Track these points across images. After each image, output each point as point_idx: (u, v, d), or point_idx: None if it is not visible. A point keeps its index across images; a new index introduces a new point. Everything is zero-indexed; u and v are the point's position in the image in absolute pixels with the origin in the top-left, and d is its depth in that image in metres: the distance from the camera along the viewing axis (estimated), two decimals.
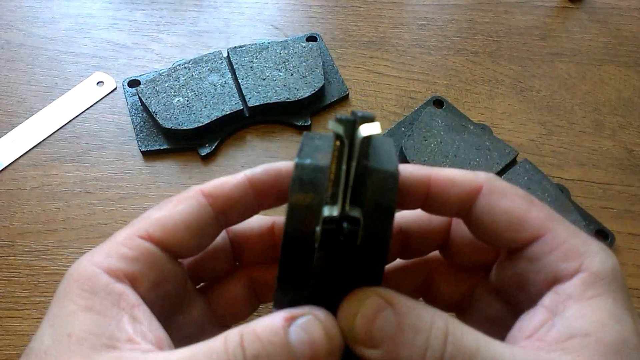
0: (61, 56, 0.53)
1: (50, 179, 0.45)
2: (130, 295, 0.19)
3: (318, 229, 0.18)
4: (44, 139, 0.48)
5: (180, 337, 0.22)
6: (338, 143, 0.18)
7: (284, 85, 0.48)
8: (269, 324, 0.18)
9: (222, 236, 0.25)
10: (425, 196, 0.22)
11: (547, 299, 0.19)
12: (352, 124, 0.17)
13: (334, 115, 0.50)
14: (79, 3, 0.58)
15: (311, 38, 0.55)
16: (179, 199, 0.22)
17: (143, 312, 0.19)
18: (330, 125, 0.18)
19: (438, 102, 0.51)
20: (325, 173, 0.19)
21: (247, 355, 0.17)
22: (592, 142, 0.50)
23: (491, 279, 0.24)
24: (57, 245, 0.42)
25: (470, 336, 0.18)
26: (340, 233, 0.18)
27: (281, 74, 0.49)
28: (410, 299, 0.19)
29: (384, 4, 0.59)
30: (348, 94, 0.51)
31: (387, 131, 0.49)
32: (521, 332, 0.19)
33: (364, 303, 0.18)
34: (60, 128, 0.48)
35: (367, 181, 0.19)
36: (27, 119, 0.49)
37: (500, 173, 0.44)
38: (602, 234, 0.43)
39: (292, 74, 0.49)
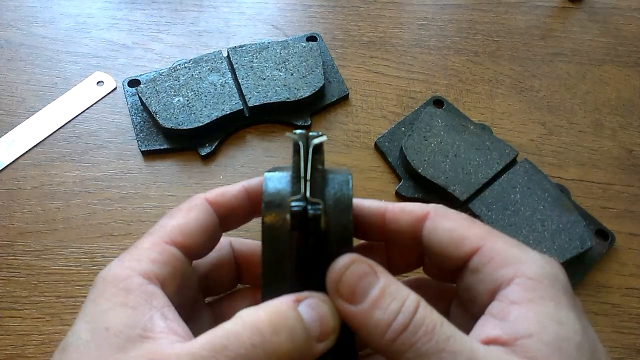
0: (61, 56, 0.53)
1: (50, 179, 0.45)
2: (161, 296, 0.21)
3: (288, 215, 0.20)
4: (44, 139, 0.48)
5: None
6: (295, 150, 0.22)
7: (284, 85, 0.48)
8: (280, 303, 0.20)
9: (228, 253, 0.27)
10: (382, 224, 0.24)
11: (493, 307, 0.21)
12: (304, 136, 0.22)
13: (334, 115, 0.51)
14: (79, 3, 0.58)
15: (311, 38, 0.55)
16: (188, 207, 0.24)
17: (172, 312, 0.21)
18: (287, 135, 0.22)
19: (438, 102, 0.51)
20: (289, 178, 0.22)
21: (266, 332, 0.19)
22: (592, 142, 0.50)
23: (457, 294, 0.26)
24: (56, 245, 0.42)
25: (436, 315, 0.20)
26: (307, 218, 0.20)
27: (281, 73, 0.49)
28: (393, 276, 0.21)
29: (384, 4, 0.59)
30: (348, 93, 0.51)
31: (387, 131, 0.49)
32: (474, 338, 0.21)
33: (355, 264, 0.21)
34: (60, 128, 0.48)
35: (326, 184, 0.22)
36: (27, 118, 0.49)
37: (500, 173, 0.44)
38: (602, 234, 0.43)
39: (292, 74, 0.49)
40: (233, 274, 0.28)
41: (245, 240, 0.28)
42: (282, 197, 0.22)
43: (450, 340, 0.19)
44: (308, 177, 0.21)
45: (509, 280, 0.21)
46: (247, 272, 0.28)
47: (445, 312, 0.26)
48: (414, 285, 0.28)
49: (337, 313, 0.21)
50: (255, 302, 0.28)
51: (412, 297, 0.20)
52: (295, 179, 0.22)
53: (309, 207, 0.20)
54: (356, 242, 0.24)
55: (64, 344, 0.20)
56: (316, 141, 0.22)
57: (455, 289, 0.25)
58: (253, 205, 0.25)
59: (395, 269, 0.28)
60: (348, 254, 0.21)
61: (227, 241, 0.28)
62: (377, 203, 0.25)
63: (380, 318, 0.20)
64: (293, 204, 0.20)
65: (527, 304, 0.20)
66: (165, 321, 0.20)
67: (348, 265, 0.21)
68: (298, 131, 0.22)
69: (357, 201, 0.24)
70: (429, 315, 0.20)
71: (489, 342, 0.20)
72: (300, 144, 0.22)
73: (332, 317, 0.21)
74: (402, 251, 0.27)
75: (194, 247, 0.23)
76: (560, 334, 0.19)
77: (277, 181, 0.22)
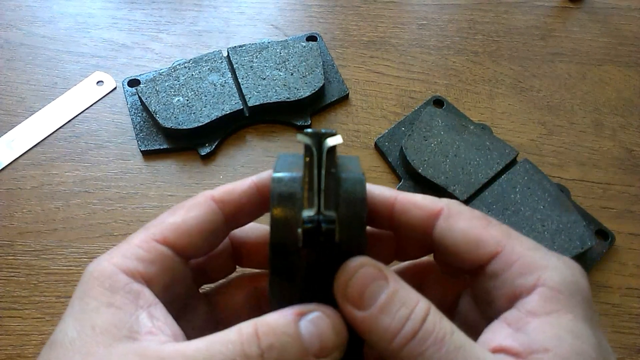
0: (61, 55, 0.53)
1: (50, 179, 0.45)
2: (148, 294, 0.20)
3: (299, 230, 0.19)
4: (44, 139, 0.48)
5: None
6: (308, 154, 0.20)
7: (284, 85, 0.48)
8: (281, 317, 0.19)
9: (224, 242, 0.26)
10: (390, 214, 0.23)
11: (511, 314, 0.20)
12: (318, 136, 0.20)
13: (334, 115, 0.51)
14: (79, 2, 0.58)
15: (311, 38, 0.55)
16: (191, 205, 0.23)
17: (160, 310, 0.20)
18: (299, 138, 0.20)
19: (438, 102, 0.51)
20: (300, 182, 0.21)
21: (262, 345, 0.18)
22: (592, 142, 0.50)
23: (470, 291, 0.25)
24: (56, 244, 0.42)
25: (447, 323, 0.19)
26: (320, 232, 0.19)
27: (281, 73, 0.49)
28: (403, 280, 0.21)
29: (384, 4, 0.59)
30: (348, 93, 0.51)
31: (387, 131, 0.49)
32: (486, 345, 0.20)
33: (364, 268, 0.20)
34: (60, 127, 0.48)
35: (339, 187, 0.21)
36: (26, 118, 0.49)
37: (500, 173, 0.44)
38: (602, 234, 0.43)
39: (292, 74, 0.49)
40: (229, 260, 0.27)
41: None
42: (292, 203, 0.21)
43: (460, 351, 0.18)
44: (322, 187, 0.20)
45: (529, 290, 0.20)
46: (246, 257, 0.27)
47: (455, 301, 0.26)
48: (424, 268, 0.27)
49: (343, 329, 0.20)
50: (254, 292, 0.27)
51: (421, 304, 0.20)
52: (307, 184, 0.20)
53: (322, 220, 0.19)
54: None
55: (52, 340, 0.20)
56: (330, 144, 0.20)
57: (470, 287, 0.24)
58: (264, 200, 0.24)
59: (403, 257, 0.27)
60: (357, 257, 0.20)
61: None
62: (386, 192, 0.24)
63: (388, 324, 0.19)
64: (305, 217, 0.19)
65: (546, 316, 0.19)
66: (152, 321, 0.20)
67: (356, 269, 0.20)
68: (309, 130, 0.21)
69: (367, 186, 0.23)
70: (439, 323, 0.19)
71: (500, 351, 0.19)
72: (314, 150, 0.20)
73: (335, 334, 0.20)
74: (412, 241, 0.26)
75: (189, 247, 0.23)
76: (576, 348, 0.19)
77: (287, 185, 0.21)
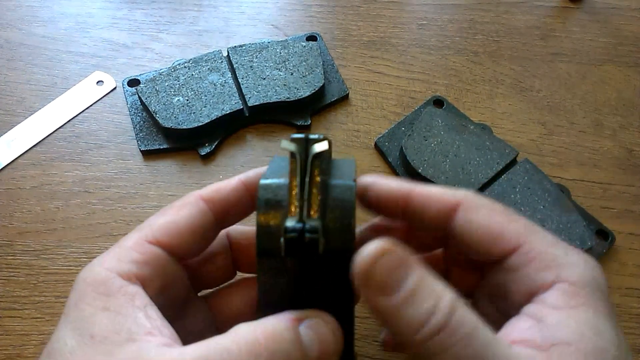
0: (61, 55, 0.53)
1: (50, 179, 0.45)
2: (143, 295, 0.20)
3: (282, 239, 0.19)
4: (44, 139, 0.48)
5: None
6: (293, 161, 0.20)
7: (284, 85, 0.48)
8: (280, 323, 0.19)
9: (222, 244, 0.26)
10: (404, 207, 0.23)
11: (531, 308, 0.20)
12: (304, 142, 0.19)
13: (334, 115, 0.50)
14: (79, 2, 0.58)
15: (311, 37, 0.55)
16: (180, 205, 0.23)
17: (155, 311, 0.20)
18: (283, 144, 0.20)
19: (438, 102, 0.51)
20: (287, 189, 0.20)
21: (264, 352, 0.18)
22: (592, 142, 0.50)
23: (485, 284, 0.25)
24: (56, 244, 0.42)
25: (473, 317, 0.19)
26: (302, 242, 0.19)
27: (281, 73, 0.49)
28: (428, 268, 0.20)
29: (384, 4, 0.59)
30: (348, 93, 0.51)
31: (387, 131, 0.49)
32: (507, 337, 0.20)
33: (389, 253, 0.19)
34: (60, 127, 0.48)
35: (327, 195, 0.20)
36: (26, 118, 0.49)
37: (500, 173, 0.44)
38: (602, 234, 0.43)
39: (292, 74, 0.49)
40: (228, 265, 0.27)
41: (240, 227, 0.27)
42: (277, 211, 0.20)
43: (489, 347, 0.18)
44: (306, 196, 0.19)
45: (549, 285, 0.20)
46: (246, 261, 0.27)
47: (469, 294, 0.26)
48: (438, 262, 0.26)
49: (340, 335, 0.20)
50: (253, 295, 0.27)
51: (449, 295, 0.19)
52: (292, 192, 0.20)
53: (306, 230, 0.19)
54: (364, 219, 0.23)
55: (49, 349, 0.19)
56: (317, 150, 0.20)
57: (484, 279, 0.24)
58: (253, 198, 0.24)
59: (417, 249, 0.26)
60: (379, 240, 0.19)
61: (224, 231, 0.27)
62: (402, 185, 0.23)
63: (412, 315, 0.18)
64: (288, 226, 0.19)
65: (569, 310, 0.19)
66: (149, 321, 0.19)
67: (380, 254, 0.19)
68: (296, 135, 0.20)
69: (380, 180, 0.23)
70: (468, 317, 0.18)
71: (521, 342, 0.19)
72: (298, 157, 0.19)
73: (334, 340, 0.20)
74: (427, 233, 0.26)
75: (181, 247, 0.22)
76: (598, 345, 0.18)
77: (273, 192, 0.21)
